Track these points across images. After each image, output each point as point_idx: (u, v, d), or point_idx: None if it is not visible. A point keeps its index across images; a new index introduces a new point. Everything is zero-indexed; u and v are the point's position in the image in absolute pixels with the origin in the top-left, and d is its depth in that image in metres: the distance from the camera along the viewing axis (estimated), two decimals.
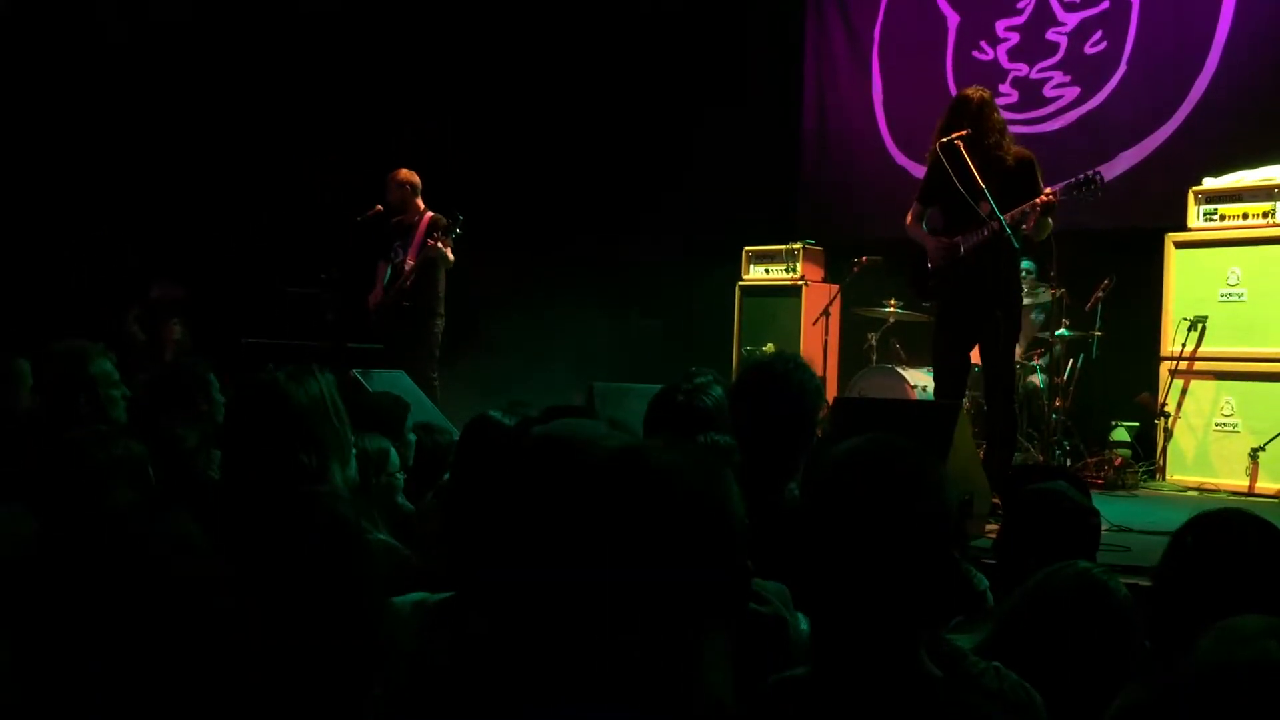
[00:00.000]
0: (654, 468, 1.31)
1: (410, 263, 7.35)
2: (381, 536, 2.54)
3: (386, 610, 1.84)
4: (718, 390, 2.77)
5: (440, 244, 7.21)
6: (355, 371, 6.02)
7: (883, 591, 1.46)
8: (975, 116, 5.43)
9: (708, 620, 1.24)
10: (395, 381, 6.00)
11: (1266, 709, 1.05)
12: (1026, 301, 7.08)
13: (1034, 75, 8.22)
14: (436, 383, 7.29)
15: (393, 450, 3.10)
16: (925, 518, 1.48)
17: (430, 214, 7.46)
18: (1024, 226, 5.40)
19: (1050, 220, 5.40)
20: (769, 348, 8.09)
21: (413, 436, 3.90)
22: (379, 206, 7.51)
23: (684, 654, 1.19)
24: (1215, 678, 1.09)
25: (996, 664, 1.93)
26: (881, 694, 1.45)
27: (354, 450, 2.47)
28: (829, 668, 1.50)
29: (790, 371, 2.75)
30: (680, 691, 1.16)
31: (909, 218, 5.71)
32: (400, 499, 3.16)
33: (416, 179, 7.57)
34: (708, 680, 1.18)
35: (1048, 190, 5.29)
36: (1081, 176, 5.38)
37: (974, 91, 5.57)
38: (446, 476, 4.01)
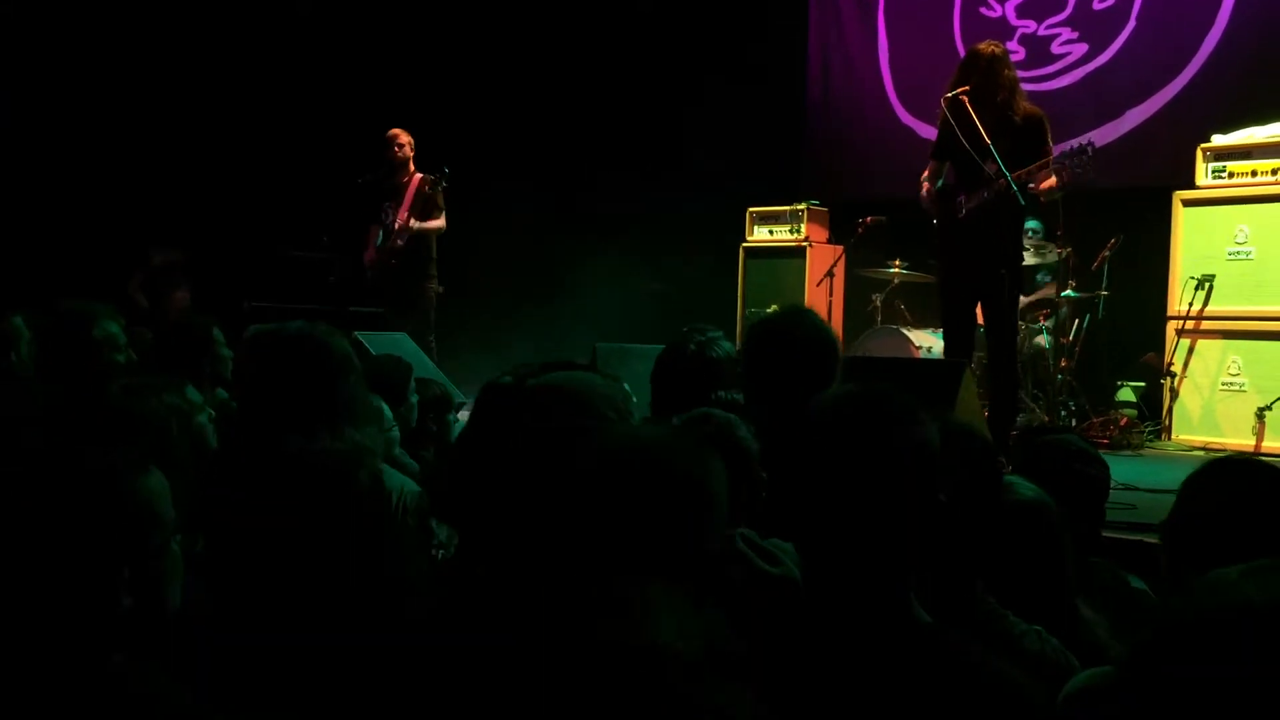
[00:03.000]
0: (644, 449, 1.48)
1: (400, 223, 7.34)
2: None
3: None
4: (727, 345, 2.76)
5: (417, 223, 7.22)
6: (357, 334, 6.02)
7: (865, 530, 1.47)
8: (984, 72, 5.38)
9: (662, 577, 1.36)
10: (397, 344, 6.00)
11: (1245, 651, 1.04)
12: (1034, 261, 7.06)
13: (1042, 32, 8.13)
14: (434, 344, 7.31)
15: (386, 407, 3.10)
16: (907, 456, 1.48)
17: (419, 175, 7.45)
18: (1030, 186, 5.38)
19: (1059, 184, 5.37)
20: (773, 309, 8.06)
21: (415, 398, 3.90)
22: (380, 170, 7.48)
23: (634, 605, 1.32)
24: (1190, 628, 1.08)
25: (1038, 628, 1.93)
26: (867, 637, 1.45)
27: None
28: (817, 612, 1.50)
29: (812, 324, 2.73)
30: (628, 638, 1.29)
31: (925, 173, 5.69)
32: (399, 453, 3.17)
33: (411, 140, 7.54)
34: (660, 630, 1.29)
35: (1051, 146, 5.26)
36: (1074, 145, 5.33)
37: (985, 46, 5.51)
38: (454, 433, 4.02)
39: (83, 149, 8.46)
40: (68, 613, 1.43)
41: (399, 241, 7.34)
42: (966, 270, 5.46)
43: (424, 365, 5.67)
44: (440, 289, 7.48)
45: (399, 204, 7.43)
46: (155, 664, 1.43)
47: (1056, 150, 5.42)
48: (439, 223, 7.39)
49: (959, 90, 5.37)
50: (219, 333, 3.66)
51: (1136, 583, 2.51)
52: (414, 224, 7.30)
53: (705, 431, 2.10)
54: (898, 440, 1.49)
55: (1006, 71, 5.45)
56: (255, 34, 8.99)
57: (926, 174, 5.69)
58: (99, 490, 1.47)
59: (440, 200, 7.37)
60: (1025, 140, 5.33)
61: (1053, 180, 5.39)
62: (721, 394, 2.67)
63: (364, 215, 7.67)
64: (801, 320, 2.72)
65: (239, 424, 2.20)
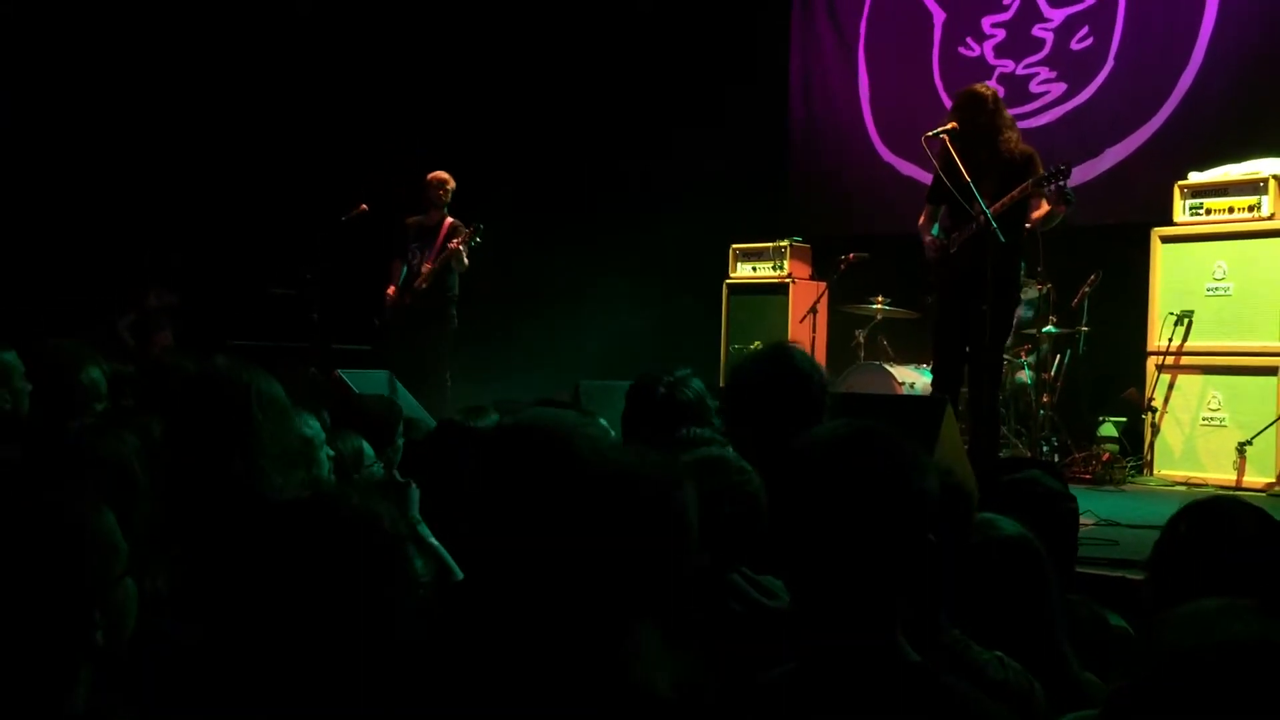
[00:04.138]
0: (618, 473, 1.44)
1: (428, 266, 7.42)
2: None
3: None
4: (698, 383, 2.74)
5: (459, 245, 7.29)
6: (341, 372, 6.01)
7: (858, 568, 1.45)
8: (971, 112, 5.47)
9: (642, 616, 1.30)
10: (381, 381, 5.99)
11: (1233, 691, 1.03)
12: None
13: (1020, 71, 8.22)
14: (449, 383, 7.37)
15: (366, 445, 3.08)
16: (904, 496, 1.47)
17: (450, 219, 7.53)
18: (1028, 224, 5.46)
19: (1052, 209, 5.43)
20: (756, 346, 8.08)
21: (401, 440, 3.88)
22: (363, 206, 7.51)
23: (614, 648, 1.26)
24: (1176, 668, 1.08)
25: (999, 654, 1.92)
26: (857, 677, 1.44)
27: (325, 450, 2.45)
28: (805, 649, 1.49)
29: (797, 362, 2.70)
30: (610, 681, 1.23)
31: (921, 218, 5.76)
32: None
33: (453, 183, 7.62)
34: (640, 672, 1.22)
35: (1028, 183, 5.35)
36: (1050, 169, 5.41)
37: (979, 88, 5.62)
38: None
39: (71, 175, 8.46)
40: (42, 653, 1.42)
41: (424, 285, 7.41)
42: (955, 307, 5.52)
43: (408, 404, 5.66)
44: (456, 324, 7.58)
45: (426, 245, 7.50)
46: (123, 701, 1.42)
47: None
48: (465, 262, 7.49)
49: (940, 130, 5.45)
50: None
51: (1115, 620, 2.50)
52: (465, 261, 7.36)
53: (722, 480, 2.09)
54: (896, 480, 1.47)
55: (994, 110, 5.53)
56: (235, 70, 9.02)
57: (922, 219, 5.75)
58: (63, 528, 1.46)
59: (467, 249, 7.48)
60: (1016, 177, 5.40)
61: (1045, 208, 5.46)
62: (705, 431, 2.65)
63: (353, 252, 7.69)
64: (786, 358, 2.69)
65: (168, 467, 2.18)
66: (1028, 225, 5.57)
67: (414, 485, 2.72)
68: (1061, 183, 5.33)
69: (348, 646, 1.45)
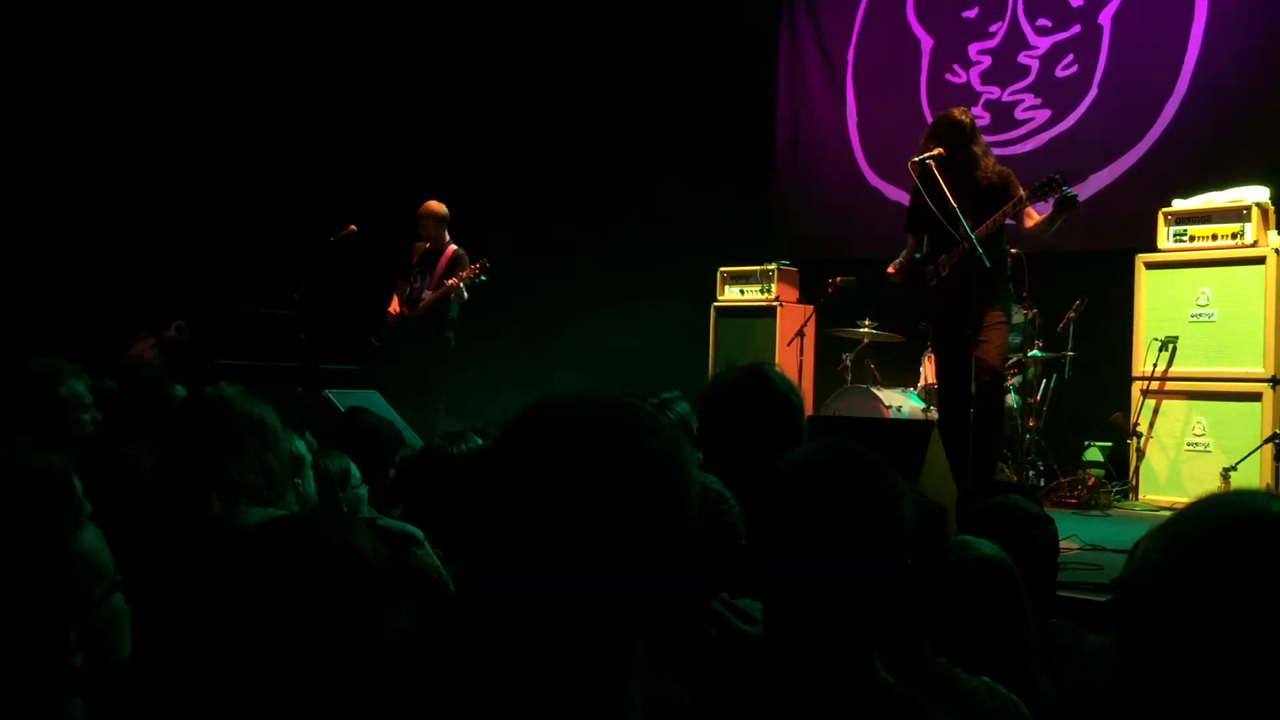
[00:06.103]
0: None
1: (428, 294, 7.48)
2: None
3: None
4: (683, 406, 2.74)
5: (459, 282, 7.35)
6: (328, 392, 6.01)
7: (831, 594, 1.46)
8: (951, 137, 5.51)
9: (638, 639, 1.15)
10: (369, 401, 5.98)
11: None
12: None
13: (1005, 98, 8.29)
14: (441, 405, 7.42)
15: (353, 465, 3.09)
16: (875, 522, 1.48)
17: (453, 247, 7.58)
18: (1026, 229, 5.48)
19: (1046, 217, 5.44)
20: None
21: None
22: (352, 227, 7.52)
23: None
24: (1076, 707, 1.11)
25: (987, 679, 1.93)
26: (830, 696, 1.44)
27: (311, 470, 2.45)
28: (780, 670, 1.49)
29: (771, 385, 2.69)
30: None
31: (905, 251, 5.82)
32: (367, 510, 3.15)
33: (446, 211, 7.66)
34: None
35: (1022, 193, 5.39)
36: (1045, 178, 5.42)
37: (957, 113, 5.65)
38: None
39: (56, 185, 8.45)
40: (18, 677, 1.40)
41: (421, 308, 7.47)
42: (944, 332, 5.56)
43: (395, 422, 5.65)
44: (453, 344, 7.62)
45: (428, 270, 7.56)
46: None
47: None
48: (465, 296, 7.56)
49: (926, 155, 5.48)
50: (181, 391, 3.63)
51: None
52: (465, 295, 7.42)
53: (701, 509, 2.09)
54: (870, 506, 1.48)
55: (972, 135, 5.58)
56: (224, 87, 9.04)
57: (905, 251, 5.80)
58: (34, 550, 1.44)
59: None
60: (995, 199, 5.43)
61: (1036, 217, 5.48)
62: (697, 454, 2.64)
63: (342, 273, 7.71)
64: (761, 379, 2.68)
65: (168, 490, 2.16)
66: (1026, 235, 5.59)
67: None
68: (1059, 193, 5.30)
69: (323, 675, 1.43)
